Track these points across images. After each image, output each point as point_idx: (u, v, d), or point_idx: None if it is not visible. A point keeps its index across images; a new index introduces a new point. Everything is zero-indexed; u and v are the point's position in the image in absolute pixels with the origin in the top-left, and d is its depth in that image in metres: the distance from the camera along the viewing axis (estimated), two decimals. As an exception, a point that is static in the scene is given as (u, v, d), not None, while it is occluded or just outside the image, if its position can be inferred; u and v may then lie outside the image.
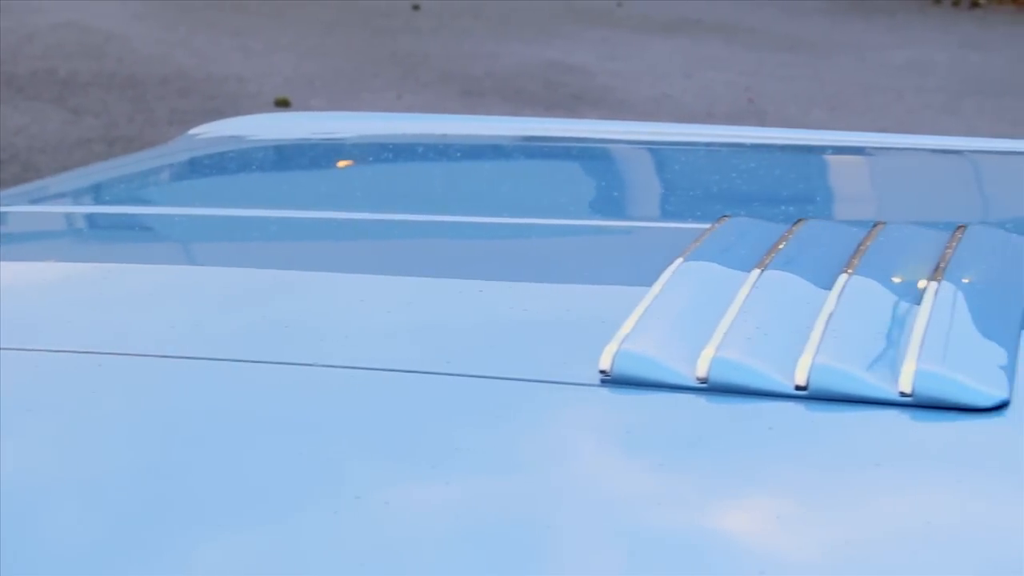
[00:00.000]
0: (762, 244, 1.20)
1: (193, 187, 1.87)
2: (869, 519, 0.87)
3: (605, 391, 1.01)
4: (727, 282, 1.12)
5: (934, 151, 1.85)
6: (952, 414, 0.95)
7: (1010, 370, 1.00)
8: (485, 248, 1.42)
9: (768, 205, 1.58)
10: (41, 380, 1.10)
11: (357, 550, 0.86)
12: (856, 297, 1.08)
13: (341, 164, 1.95)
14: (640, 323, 1.06)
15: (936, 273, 1.12)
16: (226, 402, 1.05)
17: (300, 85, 7.28)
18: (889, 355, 1.00)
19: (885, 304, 1.08)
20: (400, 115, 2.39)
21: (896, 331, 1.03)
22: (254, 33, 8.50)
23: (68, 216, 1.74)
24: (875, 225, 1.26)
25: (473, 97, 7.13)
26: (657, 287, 1.12)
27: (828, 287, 1.10)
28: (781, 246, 1.20)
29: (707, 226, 1.27)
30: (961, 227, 1.24)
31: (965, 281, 1.11)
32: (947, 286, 1.09)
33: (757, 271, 1.13)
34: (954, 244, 1.19)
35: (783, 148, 1.86)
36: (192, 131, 2.12)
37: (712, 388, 0.99)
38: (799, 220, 1.28)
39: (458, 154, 1.89)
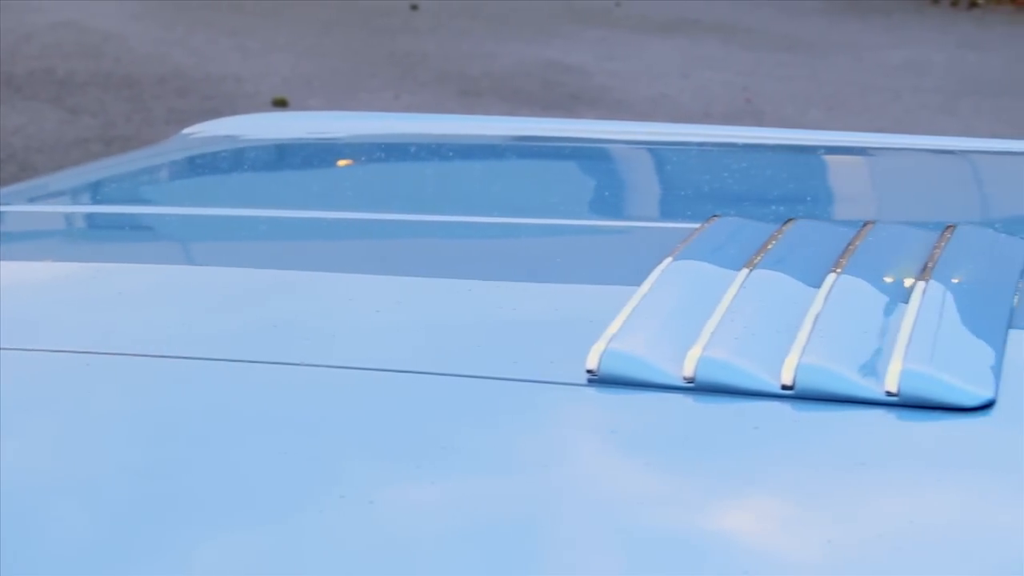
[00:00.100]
0: (751, 244, 1.20)
1: (186, 187, 1.87)
2: (854, 519, 0.87)
3: (592, 391, 1.01)
4: (715, 282, 1.12)
5: (928, 151, 1.86)
6: (938, 413, 0.95)
7: (996, 370, 1.00)
8: (476, 248, 1.42)
9: (762, 205, 1.58)
10: (36, 380, 1.10)
11: (340, 549, 0.86)
12: (844, 297, 1.08)
13: (334, 164, 1.95)
14: (628, 323, 1.06)
15: (924, 273, 1.12)
16: (220, 402, 1.05)
17: (298, 85, 7.28)
18: (876, 355, 1.00)
19: (872, 304, 1.08)
20: (395, 115, 2.39)
21: (883, 331, 1.03)
22: (252, 33, 8.50)
23: (61, 216, 1.74)
24: (864, 225, 1.26)
25: (471, 97, 7.13)
26: (645, 287, 1.12)
27: (816, 287, 1.10)
28: (770, 246, 1.20)
29: (698, 226, 1.27)
30: (950, 227, 1.25)
31: (953, 281, 1.11)
32: (935, 286, 1.10)
33: (745, 271, 1.14)
34: (942, 244, 1.20)
35: (778, 148, 1.86)
36: (186, 130, 2.12)
37: (699, 387, 0.99)
38: (788, 220, 1.28)
39: (451, 154, 1.89)
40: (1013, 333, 1.06)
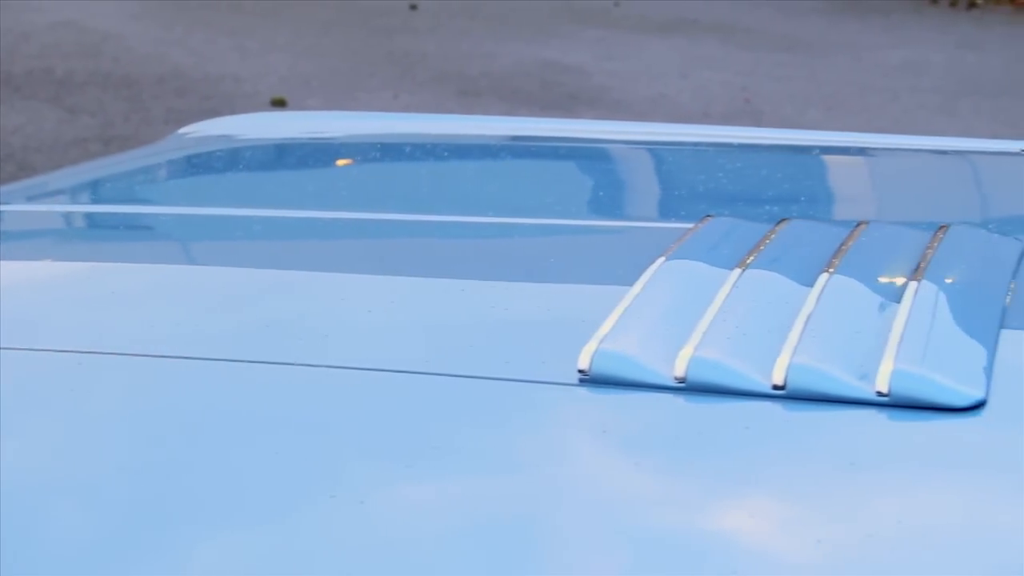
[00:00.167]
0: (744, 244, 1.20)
1: (181, 186, 1.87)
2: (843, 519, 0.87)
3: (583, 390, 1.01)
4: (708, 282, 1.12)
5: (922, 151, 1.85)
6: (928, 414, 0.95)
7: (988, 370, 1.00)
8: (470, 248, 1.42)
9: (757, 205, 1.58)
10: (30, 379, 1.10)
11: (330, 548, 0.86)
12: (836, 297, 1.08)
13: (329, 164, 1.95)
14: (619, 322, 1.06)
15: (916, 273, 1.12)
16: (213, 401, 1.05)
17: (296, 85, 7.28)
18: (867, 355, 1.00)
19: (864, 304, 1.08)
20: (391, 115, 2.39)
21: (874, 331, 1.03)
22: (251, 33, 8.50)
23: (56, 215, 1.74)
24: (857, 225, 1.26)
25: (469, 97, 7.13)
26: (638, 287, 1.12)
27: (808, 287, 1.10)
28: (763, 246, 1.20)
29: (691, 226, 1.27)
30: (943, 227, 1.25)
31: (945, 281, 1.11)
32: (927, 286, 1.09)
33: (738, 271, 1.14)
34: (935, 244, 1.20)
35: (774, 148, 1.86)
36: (182, 130, 2.12)
37: (690, 388, 0.99)
38: (782, 220, 1.28)
39: (446, 153, 1.89)
40: (1005, 333, 1.06)
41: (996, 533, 0.86)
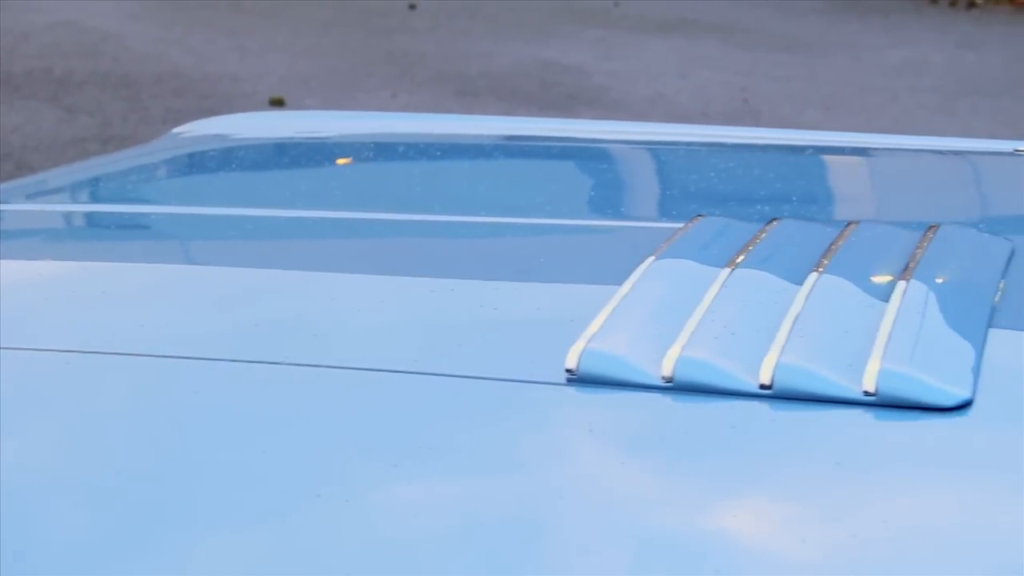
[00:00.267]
0: (734, 243, 1.20)
1: (175, 186, 1.87)
2: (828, 518, 0.87)
3: (571, 390, 1.01)
4: (697, 281, 1.12)
5: (917, 151, 1.85)
6: (915, 413, 0.95)
7: (975, 370, 1.00)
8: (462, 247, 1.42)
9: (751, 205, 1.58)
10: (21, 379, 1.10)
11: (316, 547, 0.86)
12: (824, 296, 1.08)
13: (322, 163, 1.95)
14: (607, 322, 1.06)
15: (905, 272, 1.12)
16: (203, 401, 1.05)
17: (295, 84, 7.28)
18: (854, 354, 1.00)
19: (853, 303, 1.08)
20: (386, 114, 2.39)
21: (862, 330, 1.03)
22: (250, 32, 8.49)
23: (50, 214, 1.74)
24: (848, 225, 1.26)
25: (468, 97, 7.13)
26: (626, 286, 1.12)
27: (797, 286, 1.10)
28: (753, 246, 1.20)
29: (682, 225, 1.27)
30: (933, 227, 1.25)
31: (934, 281, 1.11)
32: (915, 285, 1.09)
33: (727, 270, 1.13)
34: (925, 244, 1.20)
35: (770, 148, 1.86)
36: (176, 129, 2.12)
37: (677, 387, 0.99)
38: (772, 219, 1.28)
39: (439, 153, 1.89)
40: (993, 333, 1.06)
41: (982, 532, 0.86)
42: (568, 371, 1.02)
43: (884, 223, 1.29)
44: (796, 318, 1.04)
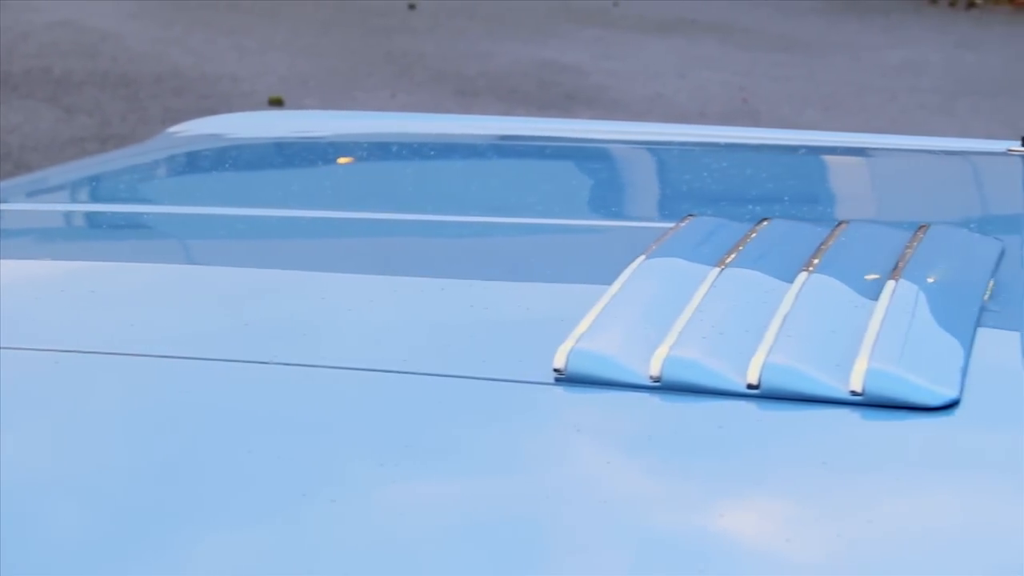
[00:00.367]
0: (724, 243, 1.20)
1: (168, 185, 1.87)
2: (813, 518, 0.87)
3: (559, 390, 1.01)
4: (686, 281, 1.12)
5: (911, 151, 1.85)
6: (902, 413, 0.95)
7: (962, 369, 1.00)
8: (453, 247, 1.42)
9: (744, 204, 1.58)
10: (14, 379, 1.10)
11: (301, 546, 0.86)
12: (813, 296, 1.08)
13: (316, 163, 1.95)
14: (596, 322, 1.06)
15: (894, 272, 1.12)
16: (195, 401, 1.05)
17: (294, 84, 7.28)
18: (842, 354, 1.00)
19: (841, 303, 1.08)
20: (382, 114, 2.38)
21: (850, 330, 1.03)
22: (249, 32, 8.49)
23: (44, 214, 1.74)
24: (838, 225, 1.26)
25: (467, 96, 7.13)
26: (615, 286, 1.12)
27: (787, 286, 1.10)
28: (743, 245, 1.20)
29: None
30: (923, 227, 1.25)
31: (923, 280, 1.11)
32: (904, 285, 1.09)
33: (717, 270, 1.13)
34: (914, 244, 1.20)
35: (765, 148, 1.86)
36: (171, 129, 2.12)
37: (665, 387, 0.99)
38: (763, 219, 1.28)
39: (432, 153, 1.89)
40: (981, 333, 1.06)
41: (969, 532, 0.86)
42: (556, 371, 1.02)
43: (874, 223, 1.29)
44: (785, 318, 1.04)
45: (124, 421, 1.03)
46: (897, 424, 0.95)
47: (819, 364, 0.99)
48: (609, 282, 1.13)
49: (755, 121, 6.79)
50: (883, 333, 1.01)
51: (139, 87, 7.06)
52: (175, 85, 7.14)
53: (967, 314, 1.08)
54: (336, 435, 0.99)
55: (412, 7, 9.55)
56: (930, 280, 1.12)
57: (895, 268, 1.13)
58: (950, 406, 0.95)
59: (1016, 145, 1.70)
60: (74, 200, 1.78)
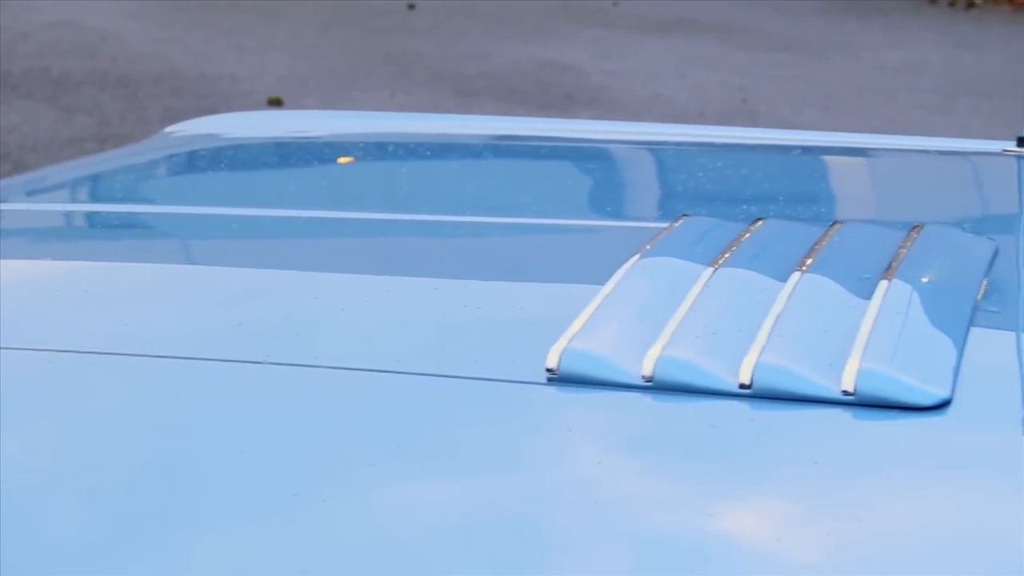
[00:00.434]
0: (718, 243, 1.20)
1: (164, 185, 1.87)
2: (804, 518, 0.87)
3: (551, 390, 1.01)
4: (679, 281, 1.12)
5: (906, 151, 1.85)
6: (893, 413, 0.95)
7: (955, 369, 1.00)
8: (447, 247, 1.42)
9: (739, 204, 1.58)
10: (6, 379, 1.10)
11: (285, 545, 0.86)
12: (806, 296, 1.08)
13: (311, 163, 1.95)
14: (589, 322, 1.06)
15: (888, 272, 1.12)
16: (185, 400, 1.05)
17: (293, 84, 7.28)
18: (834, 354, 0.99)
19: (834, 303, 1.08)
20: (378, 114, 2.39)
21: (843, 330, 1.03)
22: (248, 32, 8.50)
23: (38, 213, 1.74)
24: (832, 224, 1.26)
25: (467, 96, 7.13)
26: (609, 286, 1.12)
27: (780, 286, 1.10)
28: (737, 245, 1.20)
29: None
30: (917, 227, 1.25)
31: (916, 280, 1.11)
32: (898, 285, 1.09)
33: (710, 270, 1.13)
34: (908, 244, 1.20)
35: (762, 148, 1.86)
36: (168, 129, 2.12)
37: (657, 387, 0.99)
38: (757, 219, 1.28)
39: (427, 152, 1.89)
40: (974, 333, 1.06)
41: (959, 531, 0.86)
42: (549, 371, 1.02)
43: (868, 223, 1.29)
44: (777, 318, 1.04)
45: (121, 421, 1.03)
46: (888, 424, 0.95)
47: (811, 364, 0.99)
48: (603, 282, 1.13)
49: (754, 121, 6.79)
50: (875, 333, 1.01)
51: (138, 87, 7.06)
52: (174, 85, 7.15)
53: (960, 314, 1.08)
54: (328, 435, 0.99)
55: (411, 7, 9.55)
56: (923, 280, 1.12)
57: (888, 268, 1.13)
58: (942, 406, 0.95)
59: (1011, 145, 1.70)
60: (70, 200, 1.78)
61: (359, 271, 1.31)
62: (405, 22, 9.10)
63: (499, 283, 1.28)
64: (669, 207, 1.66)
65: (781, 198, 1.64)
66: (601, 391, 1.00)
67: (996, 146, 1.73)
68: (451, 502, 0.91)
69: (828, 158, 1.84)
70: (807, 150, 1.84)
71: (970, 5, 10.54)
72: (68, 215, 1.70)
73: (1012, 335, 1.12)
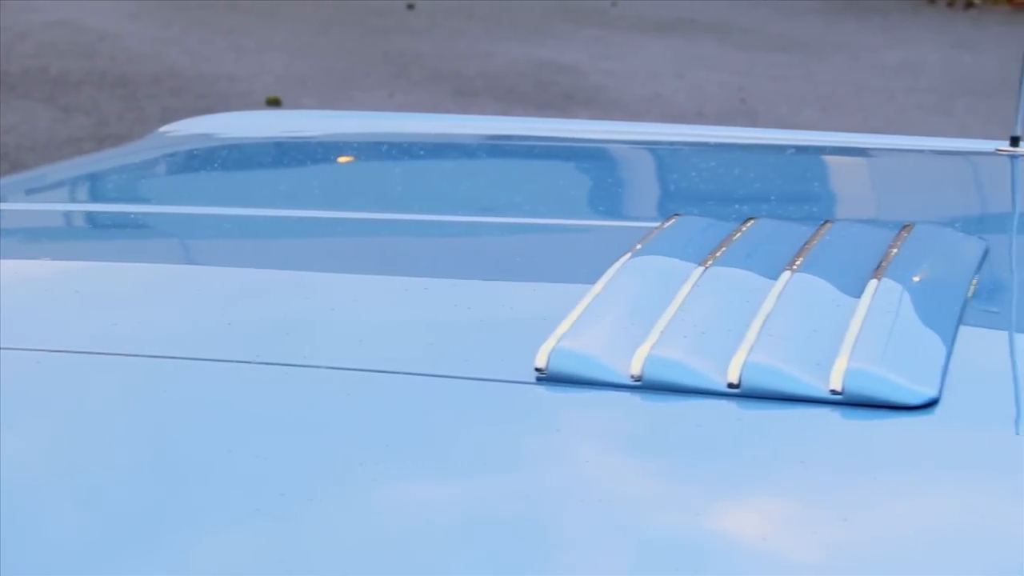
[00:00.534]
0: (709, 242, 1.20)
1: (157, 185, 1.87)
2: (790, 517, 0.87)
3: (540, 389, 1.01)
4: (670, 280, 1.12)
5: (900, 151, 1.85)
6: (881, 412, 0.95)
7: (943, 368, 0.99)
8: (440, 246, 1.42)
9: (733, 204, 1.58)
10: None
11: (272, 545, 0.86)
12: (796, 295, 1.08)
13: (304, 163, 1.95)
14: (578, 321, 1.05)
15: (877, 272, 1.12)
16: (188, 400, 1.05)
17: (292, 84, 7.28)
18: (823, 353, 0.99)
19: (824, 302, 1.08)
20: (375, 113, 2.38)
21: (832, 329, 1.02)
22: (247, 32, 8.50)
23: (31, 213, 1.74)
24: (823, 224, 1.26)
25: (465, 96, 7.13)
26: (599, 285, 1.12)
27: (770, 285, 1.10)
28: (727, 244, 1.19)
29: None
30: (907, 226, 1.24)
31: (906, 280, 1.11)
32: (887, 284, 1.09)
33: (701, 269, 1.13)
34: (898, 243, 1.19)
35: (758, 148, 1.86)
36: (162, 128, 2.12)
37: (646, 386, 0.99)
38: (748, 219, 1.28)
39: (421, 152, 1.88)
40: (962, 332, 1.06)
41: (947, 530, 0.86)
42: (538, 370, 1.01)
43: (859, 222, 1.29)
44: (767, 317, 1.04)
45: (113, 421, 1.03)
46: (876, 423, 0.95)
47: (800, 363, 0.98)
48: (594, 281, 1.13)
49: (753, 121, 6.79)
50: (864, 332, 1.01)
51: (137, 87, 7.06)
52: (173, 85, 7.15)
53: (949, 313, 1.08)
54: (316, 434, 0.99)
55: (410, 7, 9.55)
56: (913, 279, 1.12)
57: (878, 267, 1.13)
58: (929, 405, 0.95)
59: (1005, 145, 1.70)
60: (62, 200, 1.78)
61: (350, 271, 1.31)
62: (403, 22, 9.10)
63: (490, 283, 1.28)
64: (663, 207, 1.66)
65: (773, 198, 1.64)
66: (589, 390, 1.00)
67: (989, 146, 1.73)
68: (439, 501, 0.91)
69: (821, 158, 1.84)
70: (801, 150, 1.84)
71: (969, 5, 10.54)
72: (58, 215, 1.70)
73: (1001, 334, 1.12)
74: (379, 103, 6.90)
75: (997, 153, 1.71)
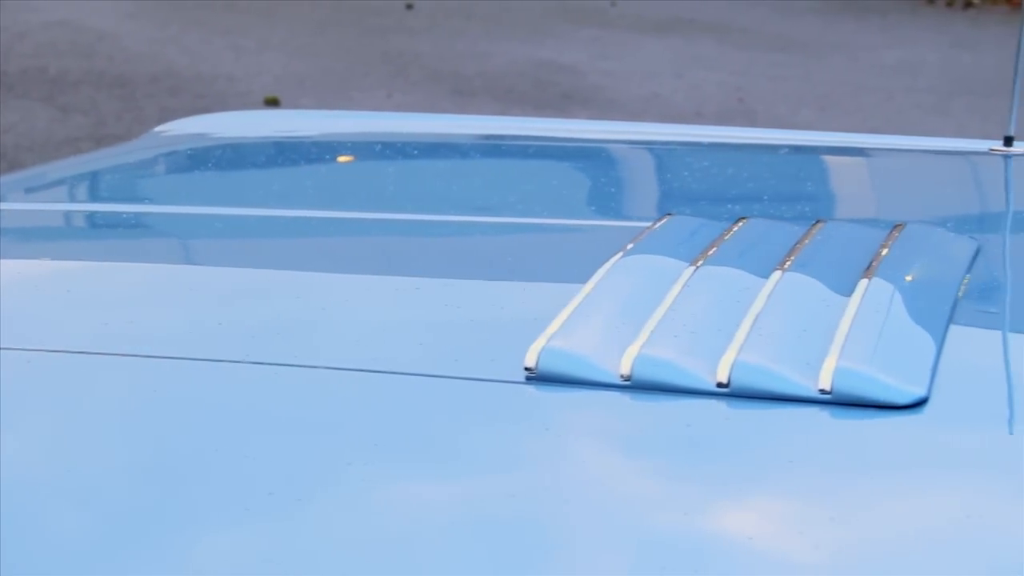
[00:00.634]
0: (701, 242, 1.20)
1: (152, 184, 1.87)
2: (778, 516, 0.87)
3: (529, 388, 1.01)
4: (660, 280, 1.12)
5: (894, 150, 1.85)
6: (869, 412, 0.95)
7: (932, 368, 1.00)
8: (432, 246, 1.42)
9: (726, 203, 1.58)
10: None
11: (263, 545, 0.87)
12: (786, 295, 1.08)
13: (299, 162, 1.95)
14: (568, 321, 1.06)
15: (868, 271, 1.12)
16: (184, 401, 1.05)
17: (290, 84, 7.28)
18: (812, 353, 1.00)
19: (814, 302, 1.08)
20: (372, 113, 2.39)
21: (821, 329, 1.03)
22: (245, 32, 8.49)
23: (25, 213, 1.74)
24: (814, 223, 1.26)
25: (464, 96, 7.13)
26: (590, 285, 1.12)
27: (760, 285, 1.10)
28: (719, 244, 1.20)
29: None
30: (898, 226, 1.25)
31: (896, 279, 1.11)
32: (878, 284, 1.09)
33: (692, 269, 1.13)
34: (889, 243, 1.20)
35: (753, 148, 1.86)
36: (158, 128, 2.12)
37: (635, 386, 0.99)
38: (740, 218, 1.28)
39: (415, 152, 1.89)
40: (952, 331, 1.06)
41: (935, 529, 0.86)
42: (527, 369, 1.02)
43: (850, 222, 1.29)
44: (757, 317, 1.04)
45: (110, 421, 1.03)
46: (865, 423, 0.95)
47: (789, 363, 0.99)
48: (585, 281, 1.13)
49: (751, 121, 6.79)
50: (853, 332, 1.01)
51: (135, 87, 7.06)
52: (171, 85, 7.15)
53: (939, 313, 1.08)
54: (308, 434, 0.99)
55: (409, 7, 9.55)
56: (903, 279, 1.12)
57: (869, 267, 1.13)
58: (918, 404, 0.96)
59: (999, 144, 1.71)
60: (57, 199, 1.78)
61: (342, 271, 1.31)
62: (402, 22, 9.10)
63: (481, 282, 1.28)
64: (656, 206, 1.66)
65: (766, 197, 1.64)
66: (579, 390, 1.00)
67: (983, 145, 1.74)
68: (429, 500, 0.91)
69: (815, 157, 1.84)
70: (794, 150, 1.84)
71: (967, 5, 10.54)
72: (54, 214, 1.70)
73: (991, 334, 1.12)
74: (377, 103, 6.90)
75: (991, 153, 1.71)
